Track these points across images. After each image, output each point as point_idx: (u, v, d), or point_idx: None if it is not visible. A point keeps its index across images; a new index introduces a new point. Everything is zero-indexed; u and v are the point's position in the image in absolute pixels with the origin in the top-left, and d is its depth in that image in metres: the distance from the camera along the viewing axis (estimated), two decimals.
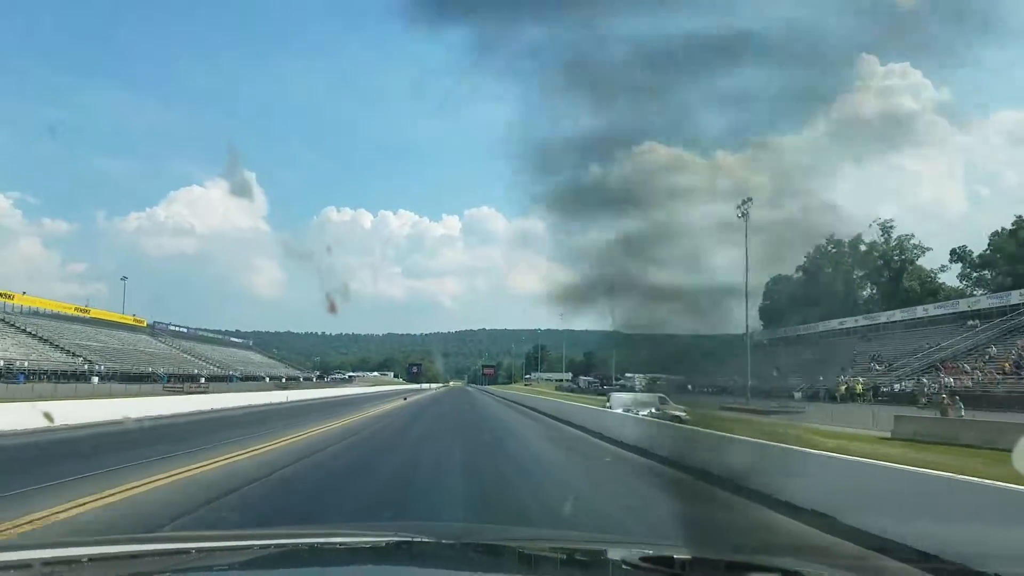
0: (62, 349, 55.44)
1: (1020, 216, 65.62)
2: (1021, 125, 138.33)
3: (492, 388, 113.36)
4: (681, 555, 1.92)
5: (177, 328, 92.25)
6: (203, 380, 68.14)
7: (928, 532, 6.14)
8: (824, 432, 21.76)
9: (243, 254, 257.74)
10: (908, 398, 37.87)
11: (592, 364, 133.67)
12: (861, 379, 45.35)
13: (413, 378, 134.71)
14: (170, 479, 9.39)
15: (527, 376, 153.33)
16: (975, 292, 65.57)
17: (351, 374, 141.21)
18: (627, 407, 30.27)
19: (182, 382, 61.59)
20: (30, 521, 6.52)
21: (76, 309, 70.77)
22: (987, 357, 42.50)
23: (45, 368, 48.79)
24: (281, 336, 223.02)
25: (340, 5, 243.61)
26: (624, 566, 2.06)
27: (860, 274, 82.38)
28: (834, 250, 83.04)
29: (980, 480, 6.45)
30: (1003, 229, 67.71)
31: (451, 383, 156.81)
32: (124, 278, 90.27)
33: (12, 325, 56.48)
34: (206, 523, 7.01)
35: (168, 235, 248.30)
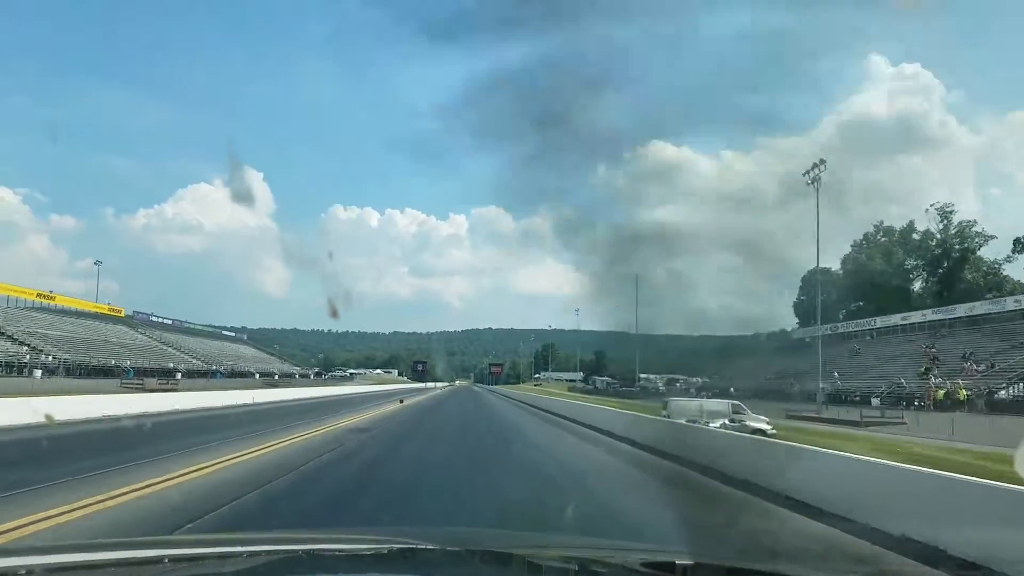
0: (8, 337, 47.99)
1: None
2: None
3: (501, 388, 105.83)
4: (683, 560, 1.91)
5: (161, 319, 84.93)
6: (179, 376, 60.72)
7: None
8: (992, 455, 14.07)
9: (250, 252, 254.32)
10: None
11: (602, 364, 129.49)
12: (960, 382, 37.27)
13: (419, 376, 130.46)
14: None
15: (536, 375, 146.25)
16: None
17: (352, 372, 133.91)
18: (692, 417, 22.49)
19: (154, 377, 54.21)
20: None
21: (39, 295, 63.37)
22: None
23: None
24: (287, 333, 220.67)
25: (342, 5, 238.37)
26: (627, 572, 2.05)
27: (913, 264, 74.02)
28: (884, 238, 74.81)
29: None
30: None
31: (457, 382, 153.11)
32: (98, 262, 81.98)
33: None
34: None
35: (176, 232, 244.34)
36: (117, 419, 19.83)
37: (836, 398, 41.72)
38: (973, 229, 69.62)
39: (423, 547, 2.33)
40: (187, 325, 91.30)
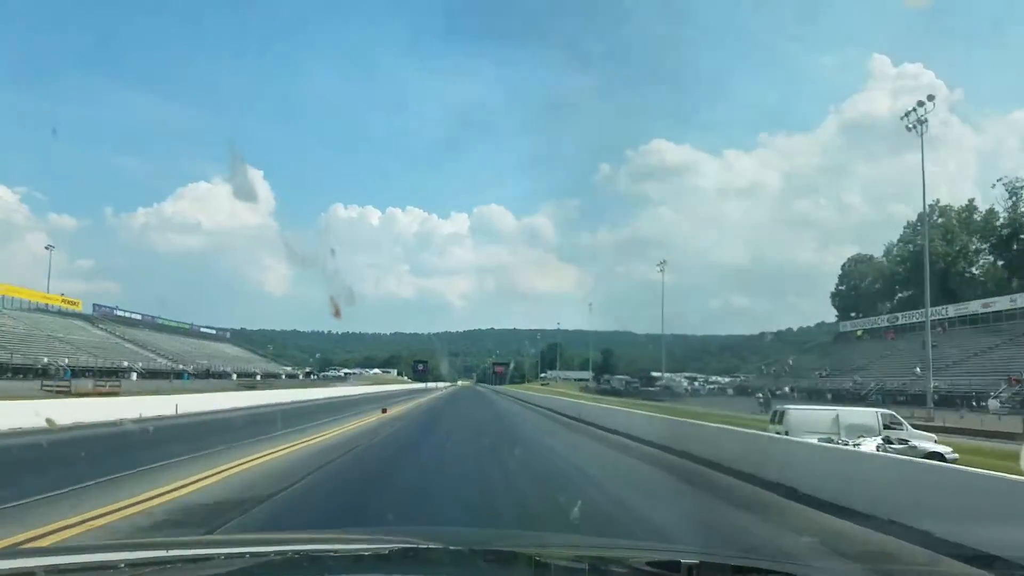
0: None
1: None
2: None
3: (508, 388, 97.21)
4: (688, 559, 1.89)
5: (129, 314, 76.44)
6: (134, 376, 52.21)
7: None
8: None
9: (250, 251, 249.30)
10: None
11: (610, 362, 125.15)
12: None
13: (419, 376, 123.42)
14: None
15: (543, 375, 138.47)
16: None
17: (347, 372, 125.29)
18: (825, 435, 13.79)
19: (96, 378, 45.66)
20: None
21: None
22: None
23: None
24: (287, 334, 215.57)
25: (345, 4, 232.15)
26: (632, 571, 2.02)
27: (977, 247, 65.26)
28: (940, 219, 66.05)
29: None
30: None
31: (459, 382, 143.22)
32: (49, 247, 71.63)
33: None
34: None
35: (175, 232, 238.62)
36: None
37: (942, 400, 32.81)
38: None
39: (427, 547, 2.30)
40: (160, 321, 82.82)
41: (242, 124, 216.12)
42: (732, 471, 11.86)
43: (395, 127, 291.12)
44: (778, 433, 15.08)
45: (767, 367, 66.99)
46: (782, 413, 16.54)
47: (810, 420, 15.69)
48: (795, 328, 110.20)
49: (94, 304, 70.56)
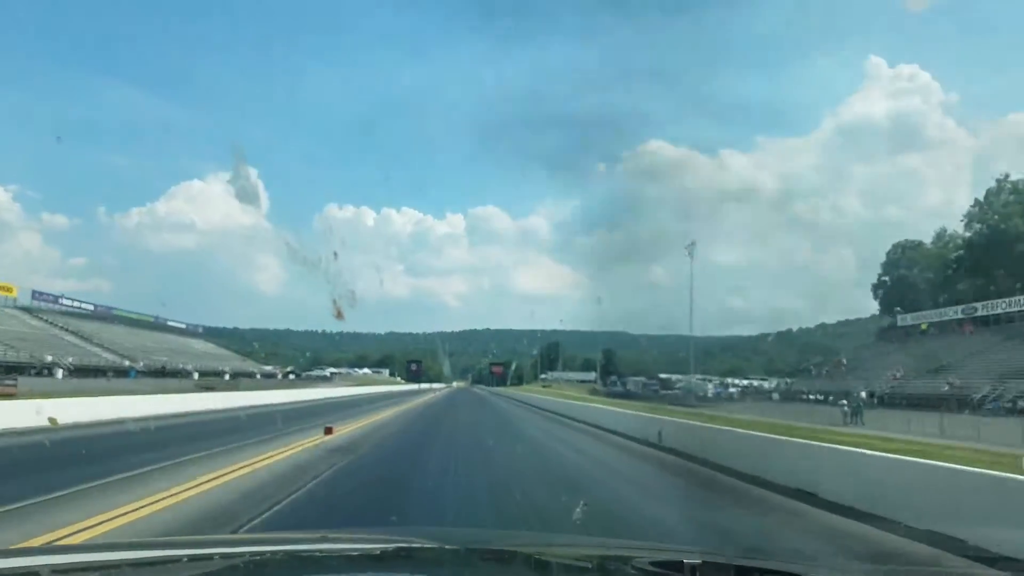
0: None
1: None
2: None
3: (508, 391, 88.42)
4: (691, 560, 1.86)
5: (77, 305, 67.21)
6: (60, 373, 43.13)
7: None
8: None
9: (244, 251, 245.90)
10: None
11: (611, 363, 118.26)
12: None
13: (413, 377, 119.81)
14: None
15: (543, 376, 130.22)
16: None
17: (332, 371, 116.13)
18: None
19: (9, 373, 36.74)
20: None
21: None
22: None
23: None
24: (280, 334, 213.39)
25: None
26: (635, 571, 1.98)
27: None
28: (1012, 197, 57.37)
29: None
30: None
31: (455, 383, 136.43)
32: None
33: None
34: None
35: (168, 231, 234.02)
36: None
37: None
38: None
39: (427, 547, 2.27)
40: (118, 313, 73.58)
41: (235, 123, 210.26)
42: None
43: (396, 126, 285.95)
44: None
45: (816, 367, 58.17)
46: None
47: None
48: (831, 322, 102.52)
49: (33, 291, 61.18)
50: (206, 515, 7.23)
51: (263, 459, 11.34)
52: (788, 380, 61.41)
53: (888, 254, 69.73)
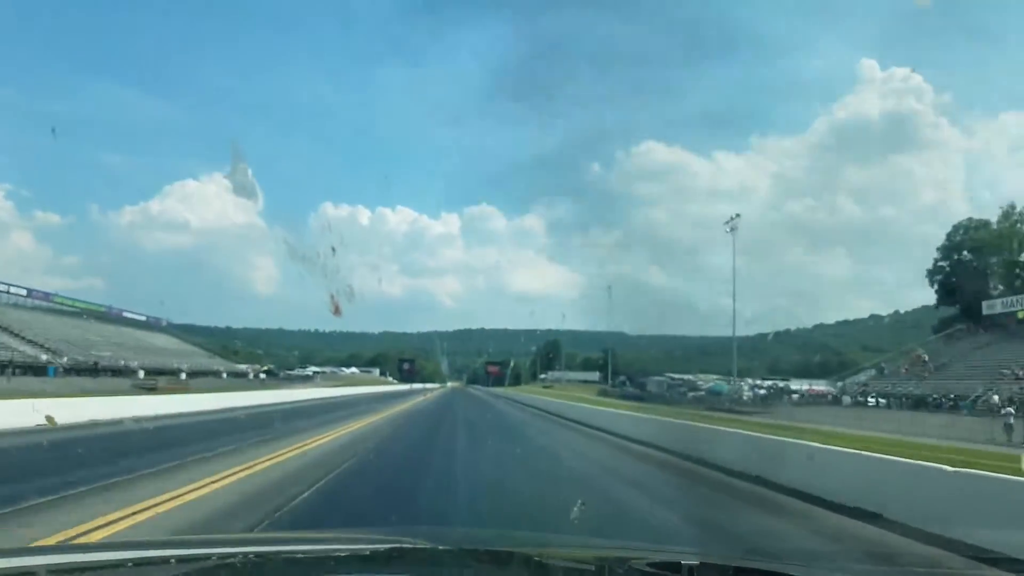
0: None
1: None
2: None
3: (509, 391, 79.52)
4: (689, 561, 1.85)
5: (6, 289, 57.50)
6: None
7: None
8: None
9: (238, 250, 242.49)
10: None
11: (612, 363, 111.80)
12: None
13: (405, 377, 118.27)
14: None
15: (542, 376, 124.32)
16: None
17: (314, 370, 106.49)
18: None
19: None
20: None
21: None
22: None
23: None
24: (273, 333, 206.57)
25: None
26: (632, 572, 1.96)
27: None
28: None
29: None
30: None
31: (449, 384, 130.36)
32: None
33: None
34: None
35: (161, 229, 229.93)
36: None
37: None
38: None
39: (427, 547, 2.25)
40: (58, 300, 63.96)
41: (230, 121, 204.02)
42: None
43: (392, 126, 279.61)
44: None
45: (886, 364, 49.16)
46: None
47: None
48: (886, 314, 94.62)
49: None
50: None
51: None
52: (840, 383, 52.07)
53: (949, 236, 60.89)
